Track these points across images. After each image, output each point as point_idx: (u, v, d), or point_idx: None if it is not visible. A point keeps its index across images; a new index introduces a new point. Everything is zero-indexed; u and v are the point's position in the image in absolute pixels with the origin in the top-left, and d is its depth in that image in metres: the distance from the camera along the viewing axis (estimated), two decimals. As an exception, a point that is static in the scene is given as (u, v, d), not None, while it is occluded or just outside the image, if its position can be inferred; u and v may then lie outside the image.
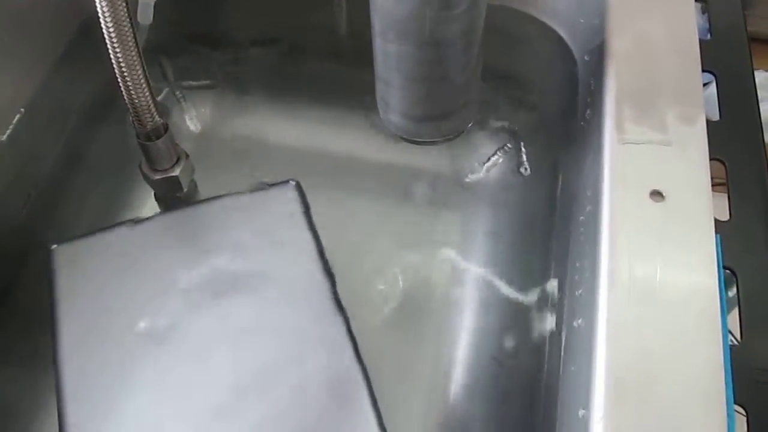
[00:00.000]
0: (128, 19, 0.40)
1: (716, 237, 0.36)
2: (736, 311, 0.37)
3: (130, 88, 0.42)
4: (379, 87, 0.50)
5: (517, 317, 0.47)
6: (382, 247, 0.50)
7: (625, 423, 0.32)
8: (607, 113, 0.41)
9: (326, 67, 0.60)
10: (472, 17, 0.45)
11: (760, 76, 1.02)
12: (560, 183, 0.50)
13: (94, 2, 0.37)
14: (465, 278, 0.49)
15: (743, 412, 0.33)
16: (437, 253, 0.50)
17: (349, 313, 0.42)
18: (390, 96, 0.50)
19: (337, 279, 0.43)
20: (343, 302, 0.42)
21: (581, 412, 0.34)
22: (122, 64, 0.41)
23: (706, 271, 0.35)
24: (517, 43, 0.56)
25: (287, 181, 0.47)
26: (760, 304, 0.36)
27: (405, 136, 0.52)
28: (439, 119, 0.52)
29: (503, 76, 0.57)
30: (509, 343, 0.46)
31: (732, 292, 0.37)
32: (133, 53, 0.41)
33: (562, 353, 0.40)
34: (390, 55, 0.46)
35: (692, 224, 0.37)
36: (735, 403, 0.33)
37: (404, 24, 0.44)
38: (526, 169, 0.54)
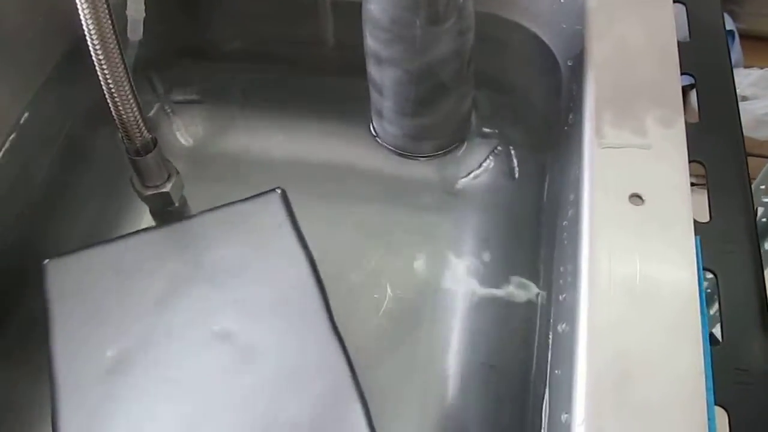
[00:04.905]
0: (115, 38, 0.40)
1: (696, 239, 0.36)
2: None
3: (118, 104, 0.42)
4: (374, 103, 0.51)
5: (507, 323, 0.47)
6: (371, 256, 0.50)
7: (606, 427, 0.32)
8: (587, 118, 0.42)
9: (315, 78, 0.61)
10: (462, 32, 0.45)
11: (754, 74, 1.02)
12: (546, 188, 0.51)
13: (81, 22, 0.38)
14: (455, 285, 0.49)
15: (725, 412, 0.33)
16: (427, 260, 0.50)
17: (340, 322, 0.42)
18: (383, 113, 0.51)
19: (327, 288, 0.43)
20: (334, 311, 0.42)
21: (564, 416, 0.34)
22: (110, 82, 0.41)
23: (685, 273, 0.35)
24: (504, 49, 0.57)
25: (273, 190, 0.47)
26: (741, 305, 0.36)
27: (398, 151, 0.53)
28: (431, 135, 0.53)
29: (492, 83, 0.57)
30: (500, 348, 0.46)
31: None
32: (121, 71, 0.41)
33: (549, 358, 0.41)
34: (383, 76, 0.47)
35: (671, 227, 0.37)
36: (716, 404, 0.33)
37: (395, 43, 0.44)
38: (516, 174, 0.54)
